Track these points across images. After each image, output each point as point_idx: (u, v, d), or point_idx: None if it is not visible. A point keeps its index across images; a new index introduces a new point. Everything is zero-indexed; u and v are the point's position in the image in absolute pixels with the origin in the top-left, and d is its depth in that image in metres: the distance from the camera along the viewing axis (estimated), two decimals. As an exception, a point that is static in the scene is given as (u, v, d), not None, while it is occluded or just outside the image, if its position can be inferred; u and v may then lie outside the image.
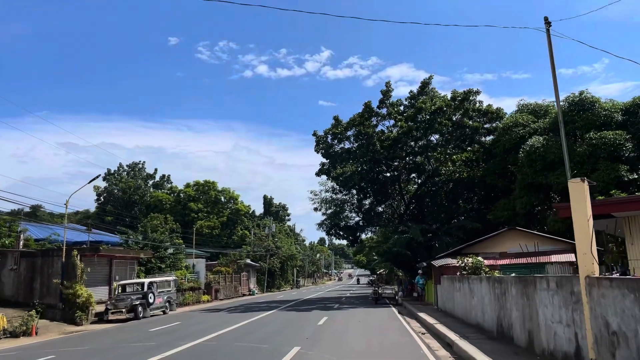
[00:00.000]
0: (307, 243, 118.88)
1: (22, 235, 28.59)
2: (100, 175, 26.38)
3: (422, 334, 15.37)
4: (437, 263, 24.04)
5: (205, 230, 65.59)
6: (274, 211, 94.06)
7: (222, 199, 74.82)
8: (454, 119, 37.11)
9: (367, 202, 43.70)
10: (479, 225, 32.84)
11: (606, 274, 9.23)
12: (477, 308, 14.76)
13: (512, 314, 11.08)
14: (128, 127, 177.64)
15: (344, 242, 67.35)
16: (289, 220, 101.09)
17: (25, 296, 24.91)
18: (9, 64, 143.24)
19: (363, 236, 49.77)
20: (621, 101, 29.66)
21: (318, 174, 41.74)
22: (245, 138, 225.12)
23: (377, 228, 46.83)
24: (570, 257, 20.92)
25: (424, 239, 34.21)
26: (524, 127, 31.34)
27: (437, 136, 38.27)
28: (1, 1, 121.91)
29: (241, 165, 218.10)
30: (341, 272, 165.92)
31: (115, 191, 73.17)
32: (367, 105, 38.62)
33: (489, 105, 37.14)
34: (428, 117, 36.46)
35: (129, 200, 71.52)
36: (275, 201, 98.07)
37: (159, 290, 27.02)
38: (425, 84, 39.12)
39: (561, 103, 31.41)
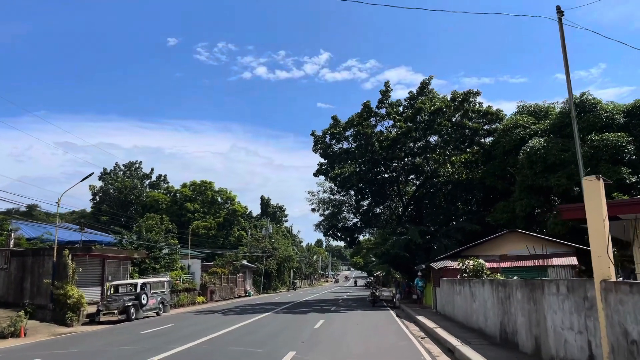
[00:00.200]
0: (304, 244, 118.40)
1: (13, 234, 28.02)
2: (93, 173, 25.76)
3: (422, 338, 14.91)
4: (437, 265, 23.58)
5: (202, 231, 65.05)
6: (271, 212, 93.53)
7: (219, 200, 74.30)
8: (454, 120, 36.71)
9: (365, 203, 43.28)
10: (478, 227, 32.42)
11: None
12: (479, 312, 14.31)
13: (517, 319, 10.62)
14: (126, 127, 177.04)
15: (341, 243, 67.01)
16: (286, 221, 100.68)
17: (16, 296, 24.35)
18: (8, 63, 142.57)
19: (361, 237, 49.38)
20: (622, 103, 29.37)
21: (316, 174, 41.29)
22: (243, 139, 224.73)
23: (375, 229, 46.42)
24: (572, 260, 20.55)
25: (422, 241, 33.79)
26: (524, 128, 30.95)
27: (436, 137, 37.86)
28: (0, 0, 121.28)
29: (239, 166, 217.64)
30: (338, 274, 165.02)
31: (111, 191, 72.52)
32: (366, 105, 38.19)
33: (488, 106, 36.80)
34: (427, 117, 36.05)
35: (125, 200, 70.90)
36: (273, 202, 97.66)
37: (152, 291, 26.49)
38: (424, 84, 38.67)
39: (562, 104, 31.32)
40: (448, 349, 12.24)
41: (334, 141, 39.71)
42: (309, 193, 46.26)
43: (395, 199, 44.16)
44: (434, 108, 35.79)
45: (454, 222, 38.36)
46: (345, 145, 39.71)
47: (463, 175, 39.13)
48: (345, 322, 20.26)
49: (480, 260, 17.08)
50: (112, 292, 25.24)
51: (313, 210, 45.09)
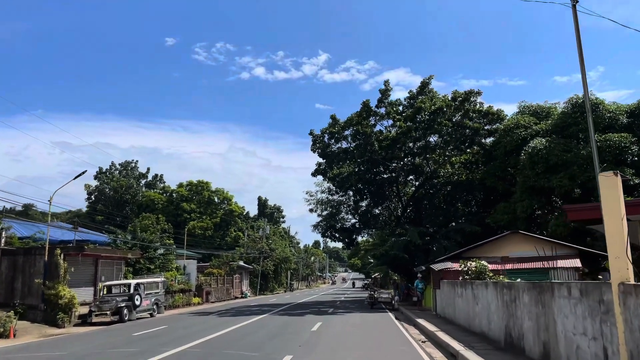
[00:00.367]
0: (301, 246, 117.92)
1: (4, 233, 27.43)
2: (86, 171, 25.28)
3: (423, 342, 14.45)
4: (437, 267, 23.13)
5: (198, 231, 64.51)
6: (269, 213, 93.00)
7: (216, 200, 73.72)
8: (454, 119, 36.28)
9: (363, 204, 42.82)
10: (479, 228, 31.98)
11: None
12: (482, 315, 13.86)
13: (524, 323, 10.17)
14: (123, 127, 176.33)
15: (339, 245, 66.55)
16: (283, 222, 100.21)
17: (6, 296, 23.78)
18: (5, 61, 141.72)
19: (359, 238, 48.90)
20: (625, 104, 28.99)
21: (314, 174, 40.82)
22: (241, 140, 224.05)
23: (374, 230, 45.94)
24: (576, 262, 20.10)
25: (421, 242, 33.35)
26: (525, 128, 30.53)
27: (436, 137, 37.41)
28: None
29: (237, 166, 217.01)
30: (335, 276, 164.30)
31: (107, 190, 71.89)
32: (366, 104, 37.74)
33: (489, 106, 36.39)
34: (427, 117, 35.59)
35: (121, 199, 70.29)
36: (270, 203, 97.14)
37: (146, 292, 25.97)
38: (424, 84, 38.19)
39: (564, 104, 30.90)
40: (450, 354, 11.80)
41: (333, 141, 39.26)
42: (306, 193, 45.85)
43: (394, 200, 43.73)
44: (435, 107, 35.34)
45: (454, 224, 37.91)
46: (344, 144, 39.28)
47: (463, 176, 38.71)
48: (343, 325, 19.80)
49: (483, 262, 16.65)
50: (105, 292, 24.70)
51: (311, 210, 44.69)
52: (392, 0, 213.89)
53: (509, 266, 20.07)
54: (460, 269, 17.86)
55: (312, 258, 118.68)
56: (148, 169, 79.67)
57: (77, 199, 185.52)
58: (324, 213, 43.72)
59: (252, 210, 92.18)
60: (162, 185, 78.32)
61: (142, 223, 42.90)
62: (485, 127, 36.26)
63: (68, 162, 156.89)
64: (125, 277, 29.46)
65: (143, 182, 78.16)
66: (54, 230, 29.81)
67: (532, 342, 9.66)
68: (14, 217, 37.35)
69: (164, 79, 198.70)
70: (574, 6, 7.05)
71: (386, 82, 39.09)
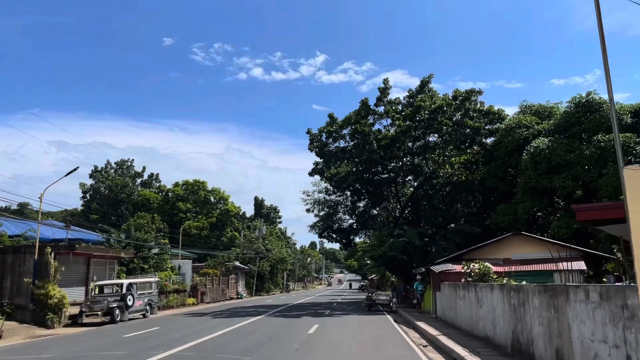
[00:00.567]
0: (298, 247, 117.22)
1: (-7, 230, 26.81)
2: (78, 167, 24.64)
3: (424, 346, 13.88)
4: (437, 268, 22.55)
5: (194, 231, 63.86)
6: (265, 213, 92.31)
7: (212, 199, 73.10)
8: (454, 119, 35.73)
9: (361, 204, 42.22)
10: (479, 229, 31.42)
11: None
12: (486, 319, 13.29)
13: (534, 328, 9.60)
14: (120, 127, 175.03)
15: (335, 246, 65.97)
16: (280, 223, 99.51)
17: (-5, 296, 23.15)
18: (2, 59, 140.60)
19: (357, 239, 48.31)
20: (629, 104, 28.54)
21: (311, 173, 40.22)
22: (238, 140, 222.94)
23: (372, 231, 45.36)
24: (581, 264, 19.58)
25: (420, 244, 32.80)
26: (527, 128, 30.04)
27: (436, 136, 36.83)
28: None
29: (233, 167, 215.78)
30: (331, 277, 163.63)
31: (102, 189, 71.14)
32: (364, 103, 37.16)
33: (490, 106, 35.88)
34: (427, 116, 35.01)
35: (116, 198, 69.57)
36: (267, 203, 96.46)
37: (139, 292, 25.32)
38: (424, 82, 37.59)
39: (566, 104, 30.40)
40: (454, 359, 11.24)
41: (331, 140, 38.62)
42: (303, 193, 45.26)
43: (392, 200, 43.16)
44: (435, 106, 34.78)
45: (453, 225, 37.30)
46: (342, 144, 38.65)
47: (463, 177, 38.16)
48: (340, 327, 19.21)
49: (487, 264, 16.08)
50: (96, 292, 24.03)
51: (308, 210, 44.09)
52: (390, 2, 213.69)
53: (512, 268, 19.53)
54: (462, 270, 17.29)
55: (309, 259, 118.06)
56: (144, 167, 79.01)
57: (73, 198, 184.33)
58: (321, 213, 43.15)
59: (249, 210, 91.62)
60: (157, 184, 77.64)
61: (137, 222, 42.29)
62: (486, 127, 35.72)
63: (64, 161, 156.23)
64: (118, 277, 28.82)
65: (139, 181, 77.42)
66: (46, 228, 29.11)
67: (543, 348, 9.10)
68: (5, 215, 36.68)
69: (162, 79, 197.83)
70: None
71: (385, 81, 38.47)
